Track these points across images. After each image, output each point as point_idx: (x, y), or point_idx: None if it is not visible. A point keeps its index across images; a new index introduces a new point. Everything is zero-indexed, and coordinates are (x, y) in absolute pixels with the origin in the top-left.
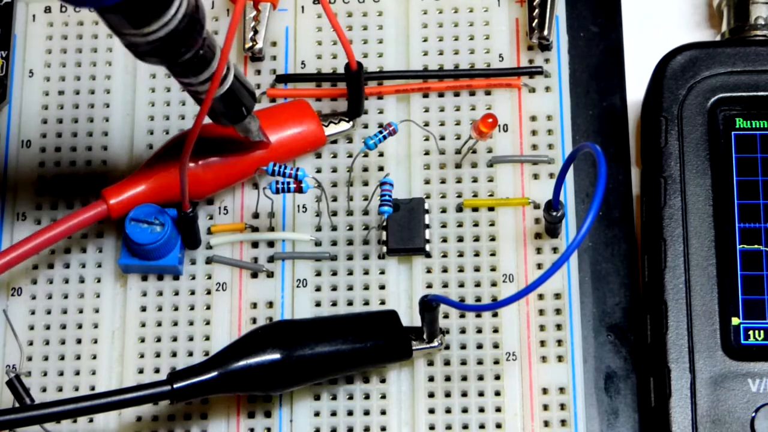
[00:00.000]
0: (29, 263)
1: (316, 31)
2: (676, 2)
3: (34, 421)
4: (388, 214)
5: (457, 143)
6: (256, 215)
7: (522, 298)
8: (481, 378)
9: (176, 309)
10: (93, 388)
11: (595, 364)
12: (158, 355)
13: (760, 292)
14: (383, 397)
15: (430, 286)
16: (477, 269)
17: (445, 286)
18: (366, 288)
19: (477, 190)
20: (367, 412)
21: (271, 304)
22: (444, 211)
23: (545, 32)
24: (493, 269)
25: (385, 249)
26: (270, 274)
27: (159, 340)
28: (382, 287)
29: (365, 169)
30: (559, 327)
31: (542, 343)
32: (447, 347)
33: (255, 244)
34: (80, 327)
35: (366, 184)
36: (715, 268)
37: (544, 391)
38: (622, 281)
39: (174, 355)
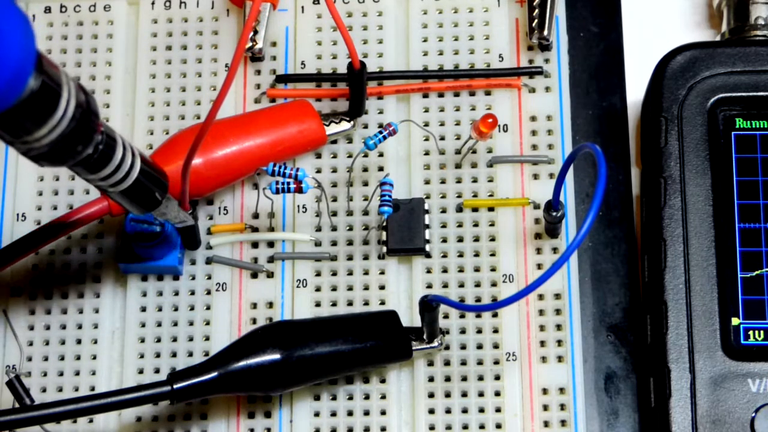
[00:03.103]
0: (29, 263)
1: (316, 31)
2: (676, 2)
3: (34, 422)
4: (388, 214)
5: (457, 143)
6: (256, 215)
7: (522, 299)
8: (481, 378)
9: (176, 309)
10: (93, 389)
11: (595, 364)
12: (158, 356)
13: (760, 292)
14: (383, 397)
15: (430, 286)
16: (477, 269)
17: (445, 286)
18: (366, 288)
19: (477, 190)
20: (367, 413)
21: (271, 305)
22: (444, 211)
23: (545, 32)
24: (493, 269)
25: (385, 249)
26: (270, 275)
27: (159, 340)
28: (382, 287)
29: (365, 169)
30: (559, 327)
31: (542, 344)
32: (447, 347)
33: (255, 245)
34: (80, 327)
35: (366, 184)
36: (715, 268)
37: (544, 391)
38: (622, 281)
39: (174, 355)
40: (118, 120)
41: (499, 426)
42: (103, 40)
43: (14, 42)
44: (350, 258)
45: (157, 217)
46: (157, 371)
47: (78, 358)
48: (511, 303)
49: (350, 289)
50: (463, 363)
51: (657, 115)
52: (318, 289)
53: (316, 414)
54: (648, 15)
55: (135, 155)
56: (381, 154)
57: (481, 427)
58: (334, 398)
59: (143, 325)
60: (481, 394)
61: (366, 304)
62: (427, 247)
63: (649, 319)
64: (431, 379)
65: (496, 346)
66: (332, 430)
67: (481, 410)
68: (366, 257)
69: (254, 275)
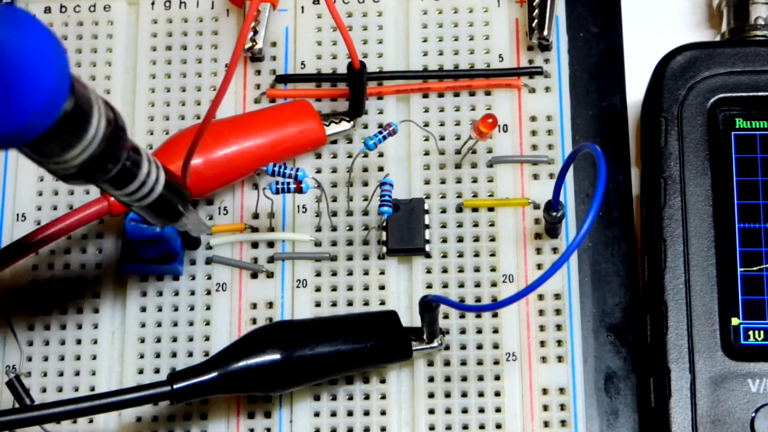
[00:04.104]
0: (29, 263)
1: (316, 31)
2: (676, 2)
3: (34, 422)
4: (388, 215)
5: (456, 143)
6: (256, 215)
7: (522, 299)
8: (481, 378)
9: (176, 309)
10: (93, 389)
11: (595, 364)
12: (158, 356)
13: (760, 292)
14: (383, 397)
15: (430, 286)
16: (477, 269)
17: (445, 286)
18: (366, 288)
19: (477, 191)
20: (367, 413)
21: (271, 305)
22: (444, 211)
23: (545, 32)
24: (493, 269)
25: (384, 249)
26: (270, 275)
27: (159, 340)
28: (382, 287)
29: (365, 170)
30: (559, 327)
31: (542, 344)
32: (447, 347)
33: (255, 245)
34: (80, 327)
35: (366, 184)
36: (715, 268)
37: (544, 391)
38: (622, 281)
39: (174, 355)
40: None
41: (499, 426)
42: (103, 40)
43: (50, 66)
44: (350, 258)
45: (179, 228)
46: (157, 371)
47: (78, 358)
48: (511, 303)
49: (350, 289)
50: (463, 363)
51: (657, 115)
52: (318, 289)
53: (316, 414)
54: (648, 15)
55: (159, 169)
56: (381, 154)
57: (481, 427)
58: (334, 398)
59: (143, 326)
60: (481, 395)
61: (366, 304)
62: (427, 247)
63: (649, 319)
64: (431, 379)
65: (496, 347)
66: (332, 430)
67: (481, 410)
68: (366, 257)
69: (254, 275)
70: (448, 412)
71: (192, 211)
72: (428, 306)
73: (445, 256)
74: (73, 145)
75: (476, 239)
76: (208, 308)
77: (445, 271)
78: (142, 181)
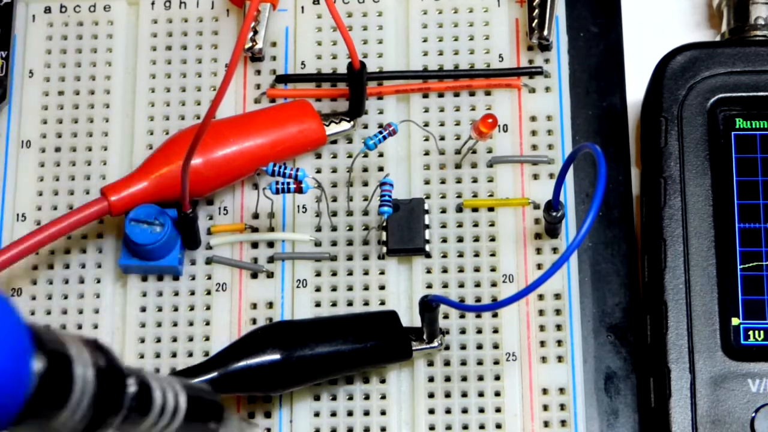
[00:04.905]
0: (29, 263)
1: (316, 31)
2: (676, 2)
3: None
4: (388, 215)
5: (456, 143)
6: (256, 215)
7: (522, 299)
8: (481, 378)
9: (176, 309)
10: None
11: (595, 364)
12: (158, 356)
13: (760, 292)
14: (383, 397)
15: (430, 286)
16: (477, 269)
17: (445, 286)
18: (366, 288)
19: (477, 191)
20: (367, 413)
21: (271, 305)
22: (444, 211)
23: (545, 32)
24: (493, 269)
25: (384, 249)
26: (270, 275)
27: (159, 340)
28: (382, 287)
29: (365, 170)
30: (559, 327)
31: (542, 344)
32: (447, 347)
33: (255, 245)
34: (80, 327)
35: (366, 184)
36: (715, 268)
37: (544, 391)
38: (622, 281)
39: (174, 355)
40: (118, 120)
41: (499, 426)
42: (103, 40)
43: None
44: (350, 258)
45: None
46: (157, 371)
47: None
48: (511, 303)
49: (350, 289)
50: (463, 363)
51: (657, 115)
52: (318, 289)
53: (316, 414)
54: (648, 15)
55: (178, 392)
56: (381, 154)
57: (481, 427)
58: (334, 398)
59: (143, 326)
60: (481, 395)
61: (366, 304)
62: (427, 247)
63: (649, 319)
64: (431, 379)
65: (496, 346)
66: (332, 430)
67: (481, 410)
68: (366, 257)
69: (254, 275)
70: (448, 412)
71: (230, 420)
72: (428, 306)
73: (445, 256)
74: (55, 419)
75: (476, 239)
76: (208, 308)
77: (445, 271)
78: (159, 413)
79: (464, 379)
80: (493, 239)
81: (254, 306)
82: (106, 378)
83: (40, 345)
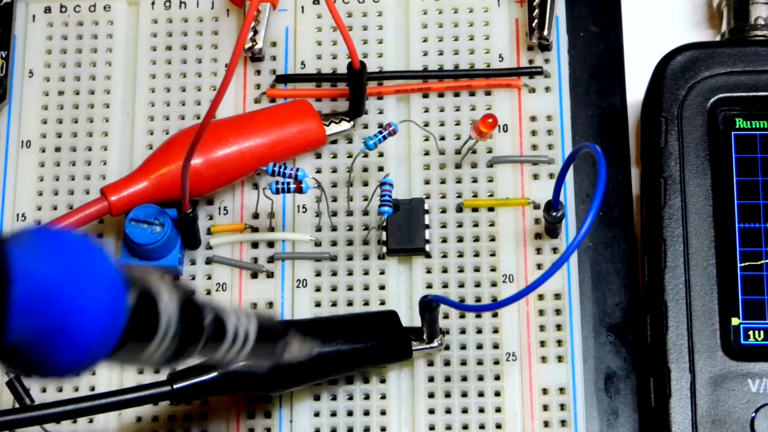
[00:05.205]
0: None
1: (316, 31)
2: (676, 2)
3: (34, 422)
4: (388, 215)
5: (457, 143)
6: (256, 215)
7: (522, 299)
8: (481, 378)
9: None
10: (93, 389)
11: (595, 364)
12: None
13: (760, 292)
14: (383, 397)
15: (430, 286)
16: (477, 269)
17: (445, 286)
18: (366, 288)
19: (477, 191)
20: (367, 413)
21: (271, 305)
22: (444, 211)
23: (545, 32)
24: (493, 269)
25: (384, 249)
26: (270, 275)
27: None
28: (382, 287)
29: (365, 170)
30: (559, 327)
31: (542, 344)
32: (447, 347)
33: (255, 245)
34: None
35: (366, 184)
36: (715, 268)
37: (544, 391)
38: (622, 281)
39: None
40: (118, 120)
41: (499, 426)
42: (103, 40)
43: (101, 305)
44: (350, 258)
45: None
46: (157, 371)
47: None
48: (511, 303)
49: (350, 289)
50: (463, 363)
51: (657, 115)
52: (318, 289)
53: (316, 414)
54: (648, 15)
55: (249, 320)
56: (381, 154)
57: (481, 427)
58: (334, 398)
59: None
60: (481, 394)
61: (366, 304)
62: (427, 247)
63: (649, 319)
64: (431, 379)
65: (496, 346)
66: (332, 430)
67: (481, 410)
68: (366, 257)
69: (254, 275)
70: (448, 412)
71: (292, 341)
72: (428, 306)
73: (445, 256)
74: (146, 348)
75: (476, 239)
76: None
77: (445, 271)
78: (232, 339)
79: (464, 379)
80: (493, 239)
81: (254, 306)
82: (186, 311)
83: (131, 283)
